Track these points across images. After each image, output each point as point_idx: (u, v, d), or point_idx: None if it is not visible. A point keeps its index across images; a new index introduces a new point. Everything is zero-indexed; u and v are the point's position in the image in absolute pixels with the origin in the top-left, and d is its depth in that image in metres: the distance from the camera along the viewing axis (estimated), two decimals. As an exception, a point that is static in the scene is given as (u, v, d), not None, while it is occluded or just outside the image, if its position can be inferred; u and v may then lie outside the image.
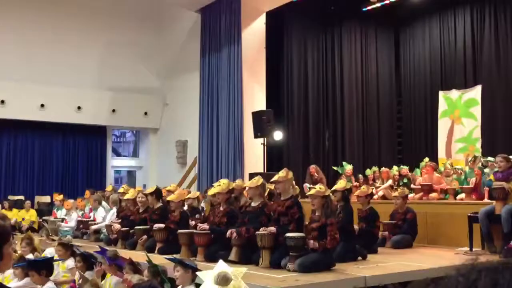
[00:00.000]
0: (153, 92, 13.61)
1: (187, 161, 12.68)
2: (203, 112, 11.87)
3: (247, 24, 11.30)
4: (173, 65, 13.37)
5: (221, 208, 6.28)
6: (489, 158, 8.68)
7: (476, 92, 11.39)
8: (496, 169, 7.10)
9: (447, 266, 5.47)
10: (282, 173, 5.74)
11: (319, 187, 5.56)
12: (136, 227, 7.10)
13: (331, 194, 5.76)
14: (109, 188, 9.70)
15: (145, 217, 7.26)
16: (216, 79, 11.67)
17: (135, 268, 4.81)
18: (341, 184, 6.54)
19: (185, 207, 7.30)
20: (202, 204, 8.15)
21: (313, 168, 9.92)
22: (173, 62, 13.35)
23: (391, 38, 13.83)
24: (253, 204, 5.97)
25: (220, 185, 6.43)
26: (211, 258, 5.67)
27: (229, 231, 5.71)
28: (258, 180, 5.98)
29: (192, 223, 6.71)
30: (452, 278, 0.70)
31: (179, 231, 6.29)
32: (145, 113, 13.53)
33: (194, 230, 6.19)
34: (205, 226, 6.12)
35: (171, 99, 13.57)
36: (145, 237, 6.91)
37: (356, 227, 6.47)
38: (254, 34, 11.40)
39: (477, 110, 11.25)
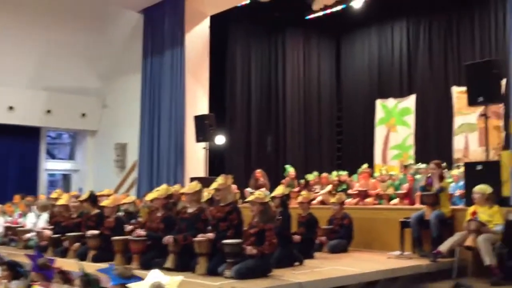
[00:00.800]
0: (91, 93, 13.20)
1: (126, 165, 12.38)
2: (144, 115, 11.63)
3: (190, 27, 11.20)
4: (113, 66, 13.03)
5: (159, 214, 6.18)
6: (421, 165, 9.06)
7: (410, 101, 11.89)
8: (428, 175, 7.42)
9: (379, 270, 5.65)
10: (221, 180, 5.73)
11: (259, 193, 5.59)
12: (67, 233, 6.83)
13: (270, 200, 5.81)
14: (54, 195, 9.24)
15: (79, 222, 7.01)
16: (158, 81, 11.47)
17: (66, 277, 4.61)
18: (279, 190, 6.61)
19: (121, 213, 7.12)
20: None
21: (259, 172, 9.98)
22: (114, 63, 13.01)
23: (332, 47, 14.16)
24: (189, 210, 5.90)
25: (159, 191, 6.33)
26: (147, 265, 5.54)
27: (166, 238, 5.61)
28: (196, 186, 5.93)
29: (130, 227, 6.56)
30: None
31: (114, 237, 6.11)
32: (83, 115, 13.09)
33: (130, 237, 6.04)
34: (142, 232, 5.99)
35: (110, 100, 13.21)
36: (77, 244, 6.66)
37: (297, 237, 6.53)
38: (197, 37, 11.32)
39: (411, 119, 11.75)
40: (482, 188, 6.07)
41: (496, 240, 5.83)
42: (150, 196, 6.49)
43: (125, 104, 12.57)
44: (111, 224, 6.46)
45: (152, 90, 11.58)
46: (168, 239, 5.58)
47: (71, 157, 14.48)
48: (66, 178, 14.31)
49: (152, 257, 5.74)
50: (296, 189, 9.51)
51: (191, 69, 11.01)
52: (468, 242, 5.78)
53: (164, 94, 11.23)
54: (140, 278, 4.03)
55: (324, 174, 10.05)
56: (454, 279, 5.81)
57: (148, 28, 11.87)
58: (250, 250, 5.13)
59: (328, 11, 12.35)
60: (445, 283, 5.51)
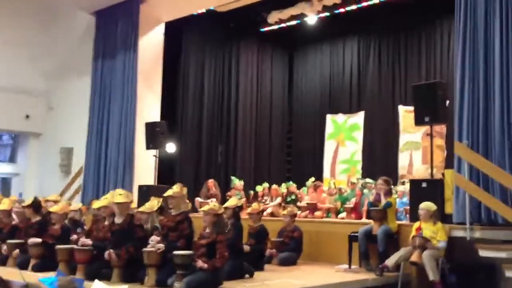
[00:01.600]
0: (37, 94, 12.66)
1: (71, 170, 11.94)
2: (93, 119, 11.28)
3: (144, 32, 11.01)
4: (62, 67, 12.57)
5: (106, 223, 5.99)
6: (368, 180, 9.31)
7: (359, 118, 12.20)
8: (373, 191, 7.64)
9: (327, 284, 5.72)
10: (176, 188, 5.65)
11: (213, 204, 5.55)
12: (8, 240, 6.49)
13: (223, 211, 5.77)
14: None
15: (20, 227, 6.68)
16: (109, 86, 11.18)
17: (6, 286, 4.37)
18: (232, 201, 6.58)
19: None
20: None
21: (211, 182, 9.92)
22: (62, 64, 12.56)
23: (285, 61, 14.35)
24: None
25: (107, 198, 6.15)
26: (92, 276, 5.35)
27: (106, 253, 5.44)
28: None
29: (74, 237, 6.33)
30: None
31: (58, 246, 5.87)
32: (27, 116, 12.53)
33: (75, 246, 5.82)
34: (88, 241, 5.79)
35: (57, 103, 12.72)
36: (16, 251, 6.34)
37: (246, 247, 6.53)
38: (151, 43, 11.14)
39: (359, 134, 12.05)
40: (427, 205, 6.30)
41: (440, 256, 6.06)
42: (97, 204, 6.28)
43: (72, 107, 12.15)
44: (57, 232, 6.20)
45: (101, 94, 11.27)
46: (109, 254, 5.40)
47: (11, 159, 13.80)
48: (5, 182, 13.62)
49: (98, 267, 5.54)
50: (243, 200, 9.51)
51: (144, 75, 10.81)
52: (414, 257, 5.96)
53: (115, 99, 10.96)
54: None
55: (274, 186, 10.12)
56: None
57: (100, 31, 11.58)
58: (201, 264, 5.06)
59: (283, 25, 12.54)
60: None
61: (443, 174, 7.14)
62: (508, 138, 6.30)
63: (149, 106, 10.89)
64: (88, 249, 5.69)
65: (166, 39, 11.34)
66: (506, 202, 6.11)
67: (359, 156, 11.91)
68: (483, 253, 5.89)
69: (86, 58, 11.66)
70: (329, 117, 12.62)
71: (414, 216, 6.68)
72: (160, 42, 11.28)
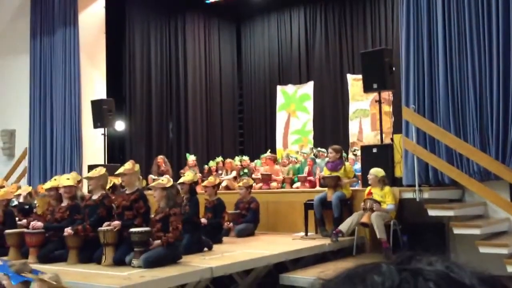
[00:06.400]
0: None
1: (15, 153, 11.43)
2: (34, 99, 10.79)
3: (84, 6, 10.55)
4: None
5: (64, 204, 5.81)
6: (320, 149, 9.46)
7: (309, 88, 12.31)
8: (326, 159, 7.78)
9: (285, 252, 5.82)
10: (128, 165, 5.52)
11: (162, 179, 5.46)
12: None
13: (178, 186, 5.71)
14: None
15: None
16: (50, 63, 10.68)
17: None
18: (188, 176, 6.51)
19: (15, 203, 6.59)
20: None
21: (160, 159, 9.76)
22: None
23: (233, 33, 14.18)
24: (93, 197, 5.62)
25: (56, 180, 5.96)
26: (46, 259, 5.23)
27: (66, 229, 5.31)
28: (100, 171, 5.67)
29: (25, 221, 6.11)
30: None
31: (7, 231, 5.64)
32: (-38, 99, 11.81)
33: (25, 230, 5.62)
34: (39, 224, 5.61)
35: (-5, 83, 12.05)
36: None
37: (203, 220, 6.51)
38: (92, 17, 10.68)
39: (309, 104, 12.17)
40: (375, 171, 6.46)
41: (389, 218, 6.26)
42: (47, 185, 6.05)
43: (12, 87, 11.53)
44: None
45: (42, 73, 10.78)
46: (68, 230, 5.28)
47: None
48: None
49: (51, 249, 5.39)
50: (199, 175, 9.45)
51: (86, 51, 10.39)
52: (364, 219, 6.15)
53: (57, 77, 10.50)
54: (38, 272, 3.76)
55: (229, 160, 10.11)
56: (354, 256, 6.17)
57: (36, 5, 10.98)
58: (155, 244, 4.98)
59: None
60: (347, 261, 5.82)
61: (392, 139, 7.32)
62: (452, 101, 6.54)
63: (94, 83, 10.52)
64: (40, 232, 5.50)
65: (108, 12, 10.89)
66: (452, 162, 6.37)
67: (310, 126, 12.05)
68: (432, 212, 6.13)
69: (23, 35, 11.06)
70: (279, 88, 12.66)
71: (366, 181, 6.85)
72: (101, 16, 10.84)
